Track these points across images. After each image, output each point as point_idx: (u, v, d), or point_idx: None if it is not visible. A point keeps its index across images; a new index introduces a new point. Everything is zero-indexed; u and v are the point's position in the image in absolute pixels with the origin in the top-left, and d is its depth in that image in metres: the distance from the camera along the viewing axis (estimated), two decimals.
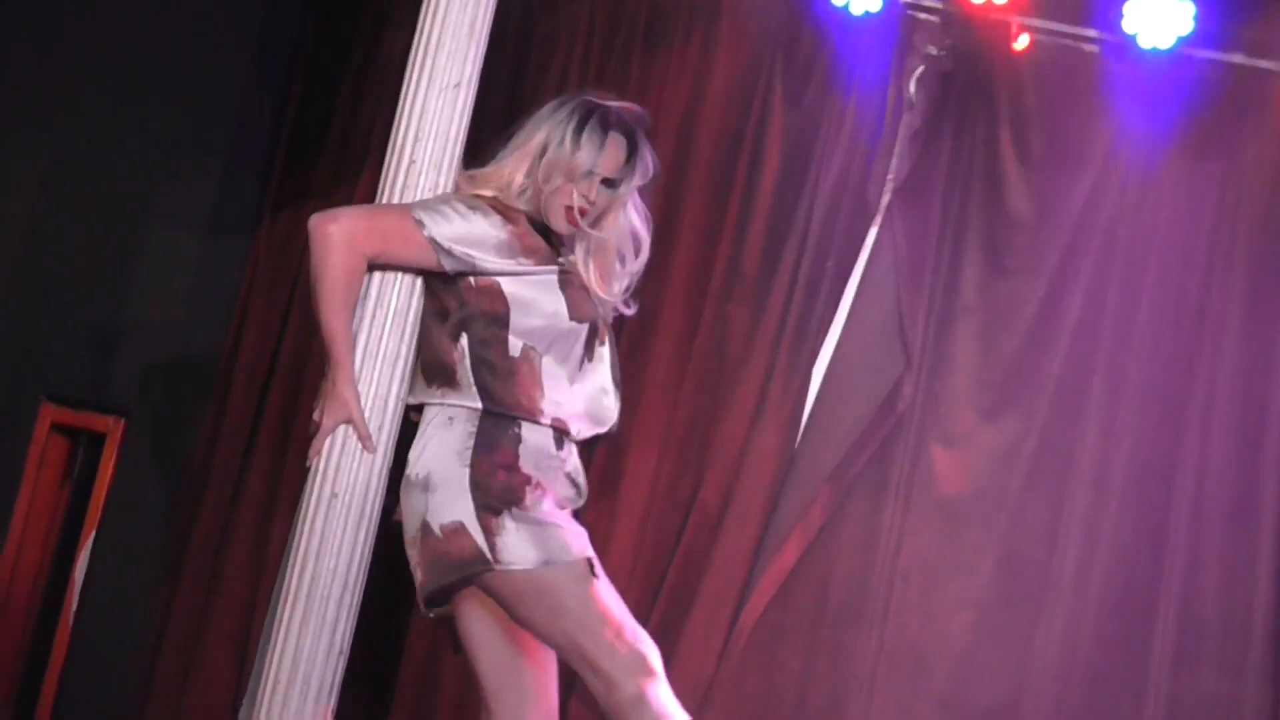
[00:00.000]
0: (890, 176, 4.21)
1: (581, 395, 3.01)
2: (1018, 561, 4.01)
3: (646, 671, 2.86)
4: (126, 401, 4.34)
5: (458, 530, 2.87)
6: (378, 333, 3.10)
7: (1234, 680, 3.86)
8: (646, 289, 4.11)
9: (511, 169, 3.02)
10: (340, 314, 2.97)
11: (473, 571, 2.87)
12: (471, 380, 2.95)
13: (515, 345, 2.95)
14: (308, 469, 3.07)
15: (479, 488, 2.87)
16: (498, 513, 2.86)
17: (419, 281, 3.15)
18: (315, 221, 2.94)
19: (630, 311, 3.13)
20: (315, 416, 3.03)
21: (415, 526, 2.92)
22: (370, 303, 3.11)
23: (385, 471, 3.13)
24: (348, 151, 4.37)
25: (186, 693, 4.17)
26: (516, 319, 2.96)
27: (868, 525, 4.07)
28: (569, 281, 3.01)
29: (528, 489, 2.90)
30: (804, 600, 4.06)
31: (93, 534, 4.28)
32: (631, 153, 3.03)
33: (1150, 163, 4.08)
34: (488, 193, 3.01)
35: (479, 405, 2.94)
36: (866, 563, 4.03)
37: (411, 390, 3.05)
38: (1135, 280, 4.05)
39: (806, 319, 4.15)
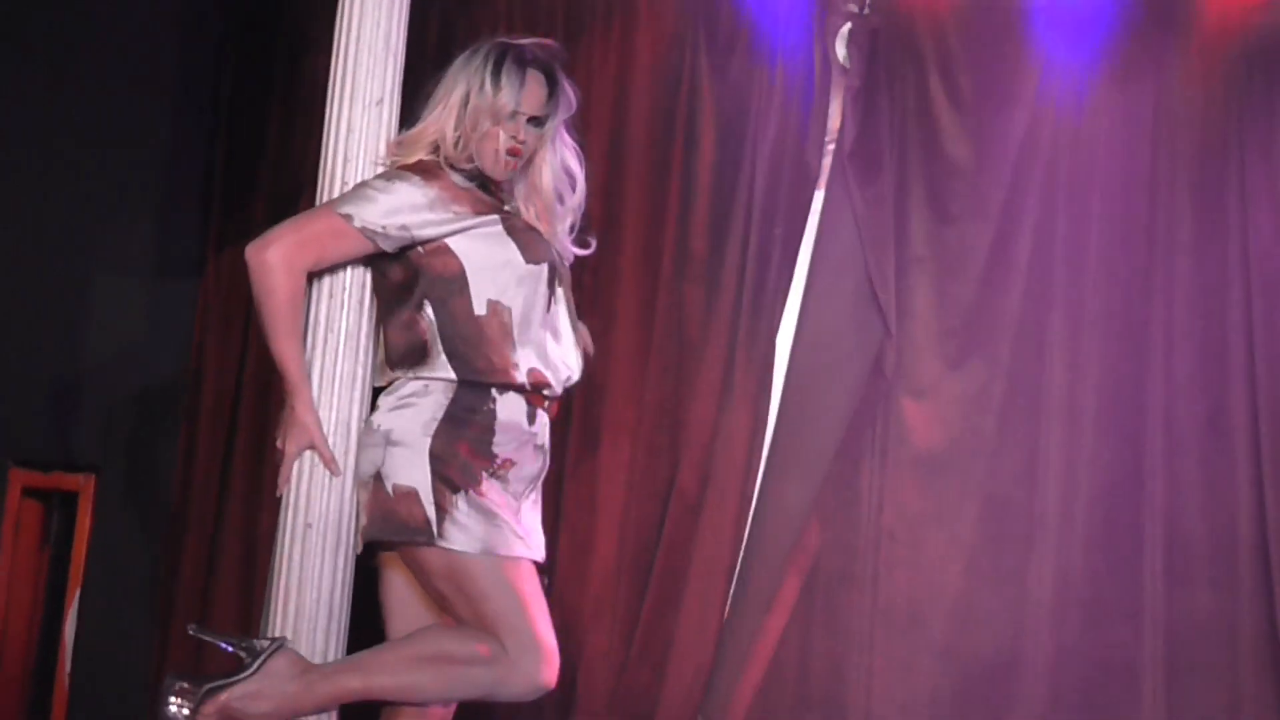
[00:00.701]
0: (828, 140, 4.20)
1: (552, 340, 3.02)
2: (1000, 505, 4.01)
3: (544, 660, 2.87)
4: (94, 456, 4.32)
5: (410, 495, 2.90)
6: (332, 357, 3.10)
7: (1227, 596, 3.87)
8: (598, 282, 4.16)
9: (438, 125, 3.03)
10: (289, 339, 2.97)
11: (414, 540, 2.89)
12: (442, 350, 2.96)
13: (480, 302, 2.96)
14: (279, 500, 3.07)
15: (437, 459, 2.89)
16: (455, 490, 2.88)
17: (367, 300, 3.14)
18: (250, 251, 2.95)
19: (588, 251, 3.16)
20: (279, 444, 3.03)
21: (368, 473, 2.96)
22: (321, 328, 3.11)
23: (356, 496, 3.12)
24: (283, 178, 4.35)
25: None
26: (473, 275, 2.97)
27: (848, 487, 4.07)
28: (515, 227, 3.02)
29: (486, 473, 2.91)
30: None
31: (78, 593, 4.26)
32: (553, 87, 3.04)
33: (1082, 93, 4.08)
34: (421, 155, 3.03)
35: (453, 377, 2.94)
36: (851, 525, 4.03)
37: (380, 379, 3.05)
38: (1082, 212, 4.06)
39: (761, 291, 4.15)
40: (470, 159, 3.03)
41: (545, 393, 3.01)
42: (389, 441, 2.93)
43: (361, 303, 3.16)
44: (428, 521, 2.89)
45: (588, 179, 4.15)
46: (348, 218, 2.95)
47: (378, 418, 2.98)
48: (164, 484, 4.34)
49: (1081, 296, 4.03)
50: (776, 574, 3.99)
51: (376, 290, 3.06)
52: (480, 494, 2.90)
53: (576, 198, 3.13)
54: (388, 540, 2.96)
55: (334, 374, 3.09)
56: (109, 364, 4.38)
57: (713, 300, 4.15)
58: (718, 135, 4.22)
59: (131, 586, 4.31)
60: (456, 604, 2.92)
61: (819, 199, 4.19)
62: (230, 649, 2.93)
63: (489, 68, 3.03)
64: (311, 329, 3.12)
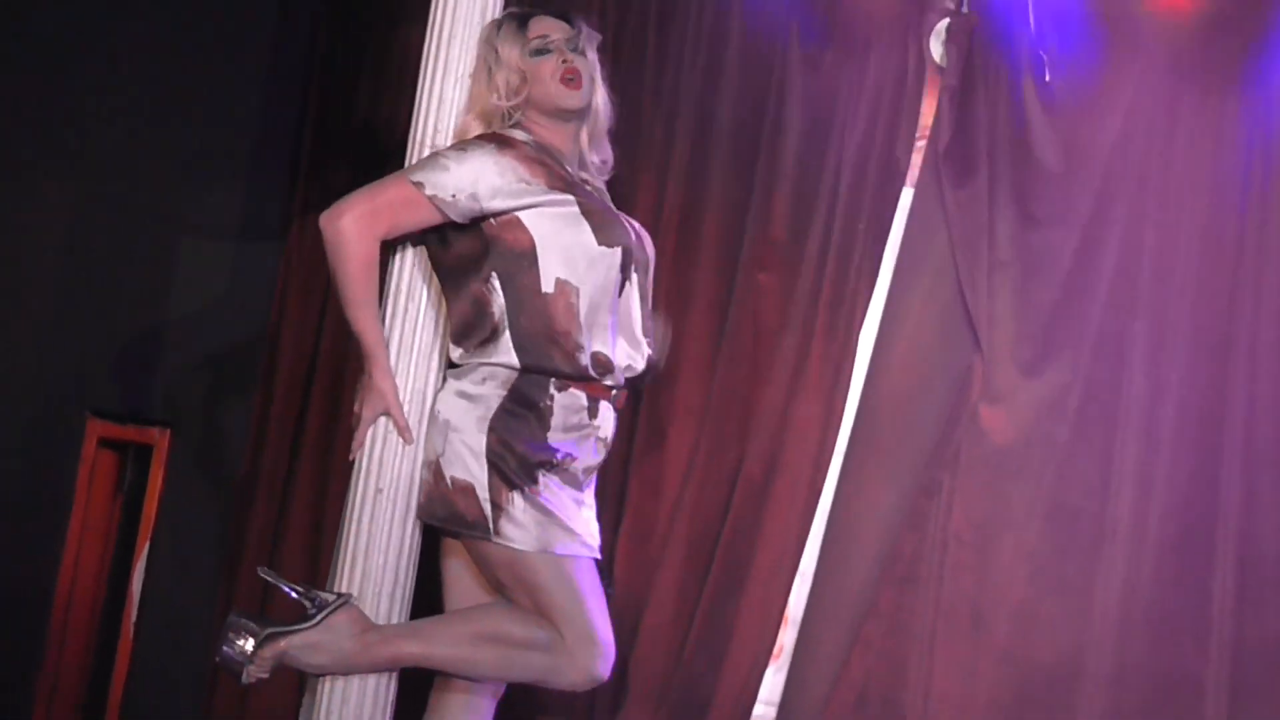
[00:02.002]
0: (918, 137, 4.17)
1: (620, 327, 3.00)
2: (1070, 514, 3.98)
3: (600, 653, 2.88)
4: (170, 412, 4.37)
5: (467, 490, 2.91)
6: (411, 326, 3.12)
7: None
8: (678, 263, 4.15)
9: (482, 107, 3.05)
10: (365, 307, 2.98)
11: (471, 534, 2.90)
12: (507, 328, 2.95)
13: (548, 279, 2.95)
14: (352, 464, 3.09)
15: (494, 455, 2.90)
16: (511, 487, 2.88)
17: None
18: (324, 220, 2.97)
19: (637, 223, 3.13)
20: (355, 409, 3.05)
21: (431, 458, 2.98)
22: (401, 297, 3.13)
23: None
24: (371, 149, 4.38)
25: (249, 697, 4.20)
26: (544, 251, 2.96)
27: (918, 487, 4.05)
28: (590, 208, 3.00)
29: (544, 470, 2.90)
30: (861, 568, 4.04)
31: (147, 545, 4.32)
32: (568, 19, 3.07)
33: (1176, 101, 4.02)
34: (484, 127, 3.04)
35: (515, 363, 2.93)
36: (919, 525, 4.01)
37: (451, 353, 3.05)
38: (1171, 221, 4.01)
39: (842, 284, 4.13)
40: (540, 116, 3.03)
41: (608, 382, 2.99)
42: (449, 431, 2.94)
43: None
44: (484, 517, 2.90)
45: (672, 165, 4.20)
46: (419, 186, 2.95)
47: (441, 403, 2.99)
48: (237, 444, 4.39)
49: (1166, 307, 3.98)
50: (870, 579, 3.97)
51: (439, 261, 3.05)
52: (536, 492, 2.90)
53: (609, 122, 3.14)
54: (444, 530, 2.98)
55: (412, 343, 3.11)
56: (190, 323, 4.43)
57: (791, 289, 4.13)
58: (805, 127, 4.20)
59: (199, 542, 4.36)
60: (516, 595, 2.93)
61: (906, 197, 4.17)
62: (296, 596, 2.96)
63: (492, 34, 3.07)
64: (393, 297, 3.14)
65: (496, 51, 3.04)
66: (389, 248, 3.07)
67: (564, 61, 3.02)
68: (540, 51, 3.03)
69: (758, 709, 4.03)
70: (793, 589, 4.04)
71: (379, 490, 3.06)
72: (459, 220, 2.97)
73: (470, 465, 2.91)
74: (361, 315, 2.99)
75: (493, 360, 2.95)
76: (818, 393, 4.09)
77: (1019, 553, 3.95)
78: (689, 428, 4.13)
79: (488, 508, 2.89)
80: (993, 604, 3.94)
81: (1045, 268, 4.06)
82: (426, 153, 3.17)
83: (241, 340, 4.45)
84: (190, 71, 4.46)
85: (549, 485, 2.93)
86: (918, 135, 4.16)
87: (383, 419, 3.06)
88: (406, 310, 3.11)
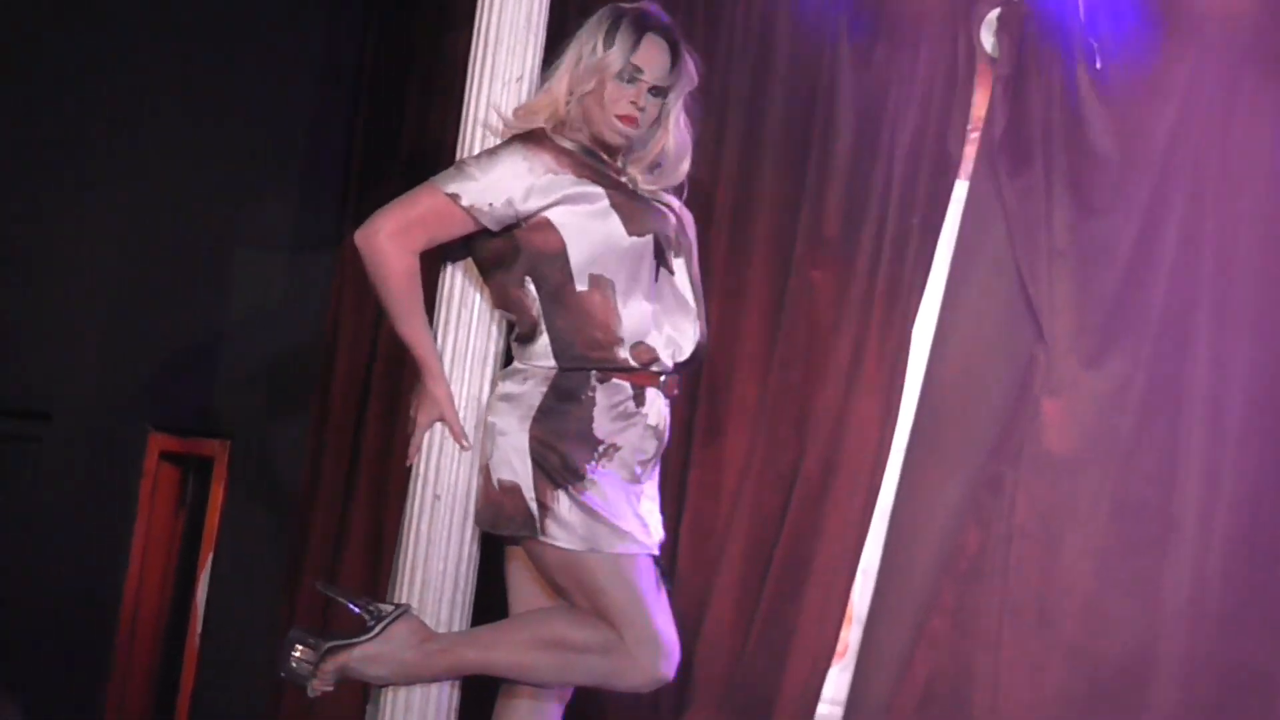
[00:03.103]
0: (970, 129, 4.14)
1: (662, 314, 2.98)
2: (1136, 506, 3.92)
3: (663, 653, 2.86)
4: (230, 424, 4.41)
5: (514, 491, 2.91)
6: (464, 332, 3.12)
7: None
8: (729, 263, 4.14)
9: (555, 89, 3.00)
10: (411, 319, 2.98)
11: (519, 534, 2.90)
12: (544, 329, 2.94)
13: (581, 276, 2.94)
14: (408, 472, 3.10)
15: (537, 453, 2.89)
16: (556, 485, 2.87)
17: None
18: (360, 237, 2.96)
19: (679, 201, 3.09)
20: (411, 414, 3.06)
21: (482, 464, 2.98)
22: (454, 303, 3.13)
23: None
24: (421, 156, 4.39)
25: (314, 706, 4.21)
26: (574, 249, 2.94)
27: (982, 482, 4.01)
28: (619, 199, 2.97)
29: (591, 463, 2.89)
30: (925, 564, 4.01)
31: (210, 557, 4.35)
32: (675, 56, 3.01)
33: (1233, 86, 3.96)
34: (539, 122, 3.00)
35: (554, 364, 2.93)
36: (983, 520, 3.97)
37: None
38: (1230, 207, 3.95)
39: (897, 280, 4.09)
40: (585, 124, 3.00)
41: (654, 368, 2.97)
42: (494, 434, 2.94)
43: None
44: (531, 517, 2.89)
45: (723, 164, 4.18)
46: (454, 197, 2.94)
47: (488, 408, 2.99)
48: (296, 455, 4.41)
49: (1228, 294, 3.92)
50: (935, 576, 3.94)
51: (479, 265, 3.05)
52: (580, 490, 2.88)
53: (684, 168, 3.09)
54: (498, 534, 2.97)
55: (466, 349, 3.11)
56: (247, 334, 4.46)
57: (845, 286, 4.10)
58: (856, 121, 4.18)
59: (262, 553, 4.39)
60: (574, 597, 2.92)
61: (959, 189, 4.13)
62: (355, 609, 2.97)
63: (603, 28, 2.99)
64: (445, 303, 3.14)
65: (597, 49, 2.98)
66: (438, 255, 3.07)
67: (634, 103, 2.97)
68: (628, 79, 2.98)
69: (823, 708, 4.01)
70: (854, 587, 4.01)
71: (437, 497, 3.06)
72: (494, 228, 2.97)
73: (515, 465, 2.91)
74: (409, 327, 3.00)
75: (533, 362, 2.95)
76: (875, 390, 4.06)
77: (1085, 547, 3.90)
78: (745, 428, 4.12)
79: (534, 507, 2.89)
80: (1059, 599, 3.89)
81: (1104, 257, 4.01)
82: None
83: (298, 350, 4.47)
84: (241, 85, 4.49)
85: (596, 482, 2.90)
86: (969, 127, 4.13)
87: (439, 426, 3.06)
88: (460, 316, 3.11)
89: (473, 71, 3.21)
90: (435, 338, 3.09)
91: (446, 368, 3.08)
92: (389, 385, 4.34)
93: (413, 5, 4.47)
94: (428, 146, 4.37)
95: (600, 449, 2.92)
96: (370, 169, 4.46)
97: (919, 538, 4.01)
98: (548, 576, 2.95)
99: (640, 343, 2.95)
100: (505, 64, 3.19)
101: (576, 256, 2.95)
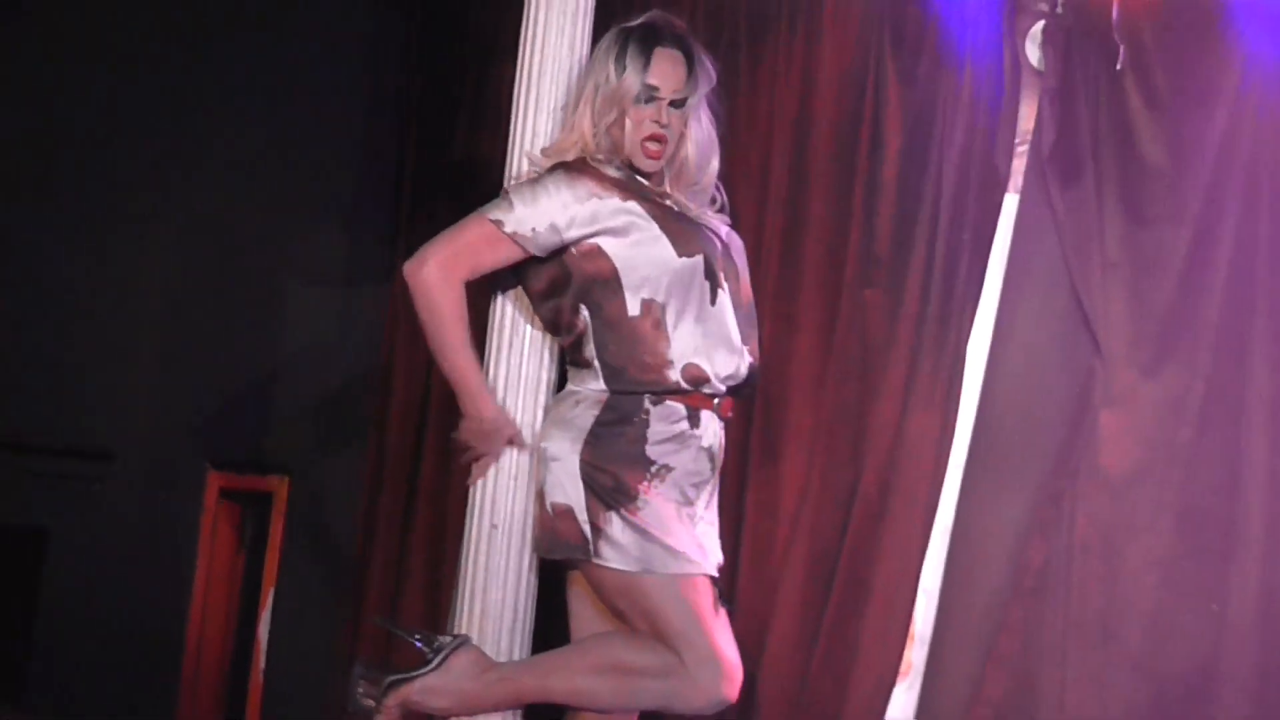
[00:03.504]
0: (1018, 142, 4.12)
1: (713, 334, 2.97)
2: (1199, 516, 3.87)
3: (724, 674, 2.85)
4: (288, 459, 4.44)
5: (567, 514, 2.91)
6: (516, 359, 3.13)
7: None
8: (781, 286, 4.13)
9: (579, 124, 3.01)
10: (460, 351, 2.99)
11: (573, 556, 2.90)
12: (595, 356, 2.95)
13: (633, 303, 2.94)
14: (467, 501, 3.11)
15: (589, 476, 2.90)
16: (608, 507, 2.87)
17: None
18: (409, 270, 2.97)
19: (726, 226, 3.09)
20: (463, 443, 3.05)
21: (537, 490, 2.99)
22: (506, 332, 3.15)
23: None
24: (470, 187, 4.41)
25: None
26: (626, 274, 2.94)
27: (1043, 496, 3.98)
28: (667, 220, 2.97)
29: (644, 484, 2.88)
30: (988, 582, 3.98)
31: (271, 592, 4.37)
32: (690, 64, 3.00)
33: None
34: (568, 159, 3.01)
35: (604, 388, 2.93)
36: (1046, 535, 3.93)
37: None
38: None
39: (949, 297, 4.08)
40: (615, 153, 3.00)
41: (706, 390, 2.97)
42: (546, 459, 2.95)
43: None
44: (584, 539, 2.89)
45: (771, 187, 4.18)
46: (499, 224, 2.95)
47: (541, 435, 3.00)
48: (354, 486, 4.44)
49: None
50: (999, 593, 3.91)
51: (530, 294, 3.06)
52: (634, 512, 2.88)
53: (713, 168, 3.08)
54: (552, 558, 2.97)
55: (519, 376, 3.13)
56: (302, 369, 4.50)
57: (897, 305, 4.09)
58: (903, 139, 4.17)
59: (323, 586, 4.42)
60: (633, 619, 2.91)
61: (1009, 203, 4.12)
62: (414, 642, 2.98)
63: (613, 54, 2.99)
64: (497, 332, 3.16)
65: (610, 77, 2.99)
66: (488, 286, 3.08)
67: (656, 121, 2.97)
68: (645, 100, 2.99)
69: None
70: (916, 606, 3.98)
71: (494, 527, 3.07)
72: (540, 254, 2.98)
73: (568, 488, 2.91)
74: (458, 360, 3.00)
75: (586, 385, 2.96)
76: (930, 407, 4.04)
77: (1148, 559, 3.85)
78: (802, 448, 4.10)
79: (587, 529, 2.89)
80: (1123, 613, 3.85)
81: (1158, 267, 3.97)
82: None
83: (353, 384, 4.50)
84: (290, 122, 4.55)
85: (649, 503, 2.90)
86: (1017, 141, 4.11)
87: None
88: (511, 344, 3.13)
89: (518, 101, 3.24)
90: (487, 367, 3.10)
91: (500, 397, 3.09)
92: (445, 416, 4.35)
93: (458, 38, 4.51)
94: (476, 177, 4.40)
95: (652, 469, 2.91)
96: (420, 201, 4.49)
97: (982, 555, 3.97)
98: (606, 600, 2.95)
99: (690, 364, 2.95)
100: (550, 92, 3.21)
101: (628, 281, 2.95)
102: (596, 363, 2.96)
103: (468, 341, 3.01)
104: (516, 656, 3.05)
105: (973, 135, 4.11)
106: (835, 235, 4.16)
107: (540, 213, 2.94)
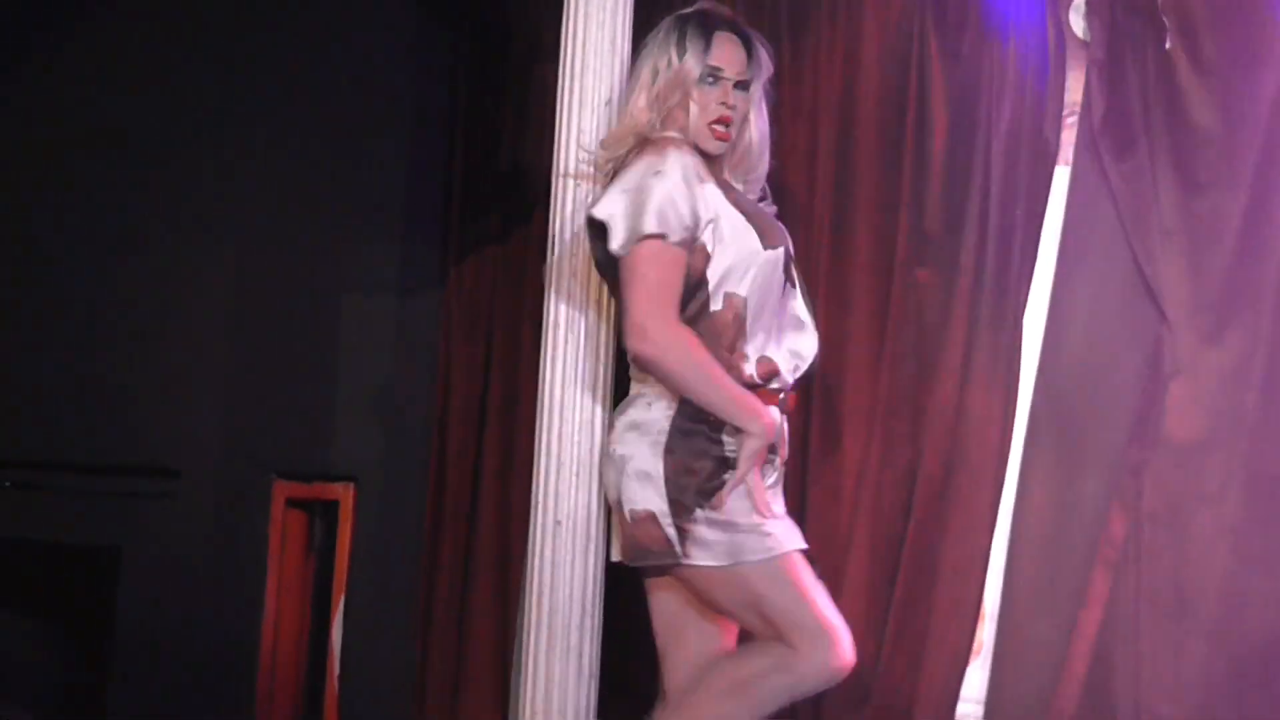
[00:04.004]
0: (1066, 114, 4.10)
1: (788, 328, 2.96)
2: (1269, 483, 3.83)
3: (833, 644, 2.85)
4: (352, 465, 4.47)
5: (649, 519, 2.87)
6: (573, 358, 3.15)
7: None
8: (832, 269, 4.13)
9: (635, 112, 2.97)
10: (725, 376, 2.88)
11: (662, 562, 2.88)
12: None
13: (717, 297, 2.91)
14: (529, 500, 3.12)
15: (670, 478, 2.86)
16: (691, 509, 2.85)
17: (605, 300, 3.17)
18: (634, 351, 2.86)
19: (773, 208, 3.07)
20: (747, 455, 2.91)
21: (612, 498, 2.95)
22: (560, 329, 3.16)
23: (602, 493, 3.15)
24: (519, 187, 4.43)
25: None
26: (715, 267, 2.90)
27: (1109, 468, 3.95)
28: (750, 210, 2.96)
29: (726, 474, 2.87)
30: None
31: (342, 598, 4.41)
32: (748, 48, 2.98)
33: None
34: (623, 150, 2.98)
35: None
36: (1118, 507, 3.91)
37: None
38: None
39: (1004, 273, 4.05)
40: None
41: (774, 385, 2.95)
42: (623, 466, 2.91)
43: (599, 302, 3.20)
44: (669, 543, 2.85)
45: (818, 171, 4.17)
46: (662, 238, 2.86)
47: (613, 441, 2.95)
48: (419, 489, 4.46)
49: None
50: (1071, 567, 3.89)
51: (618, 296, 3.01)
52: (716, 507, 2.85)
53: (765, 162, 3.09)
54: (639, 566, 2.95)
55: (576, 375, 3.14)
56: (361, 376, 4.53)
57: (951, 284, 4.07)
58: (950, 117, 4.14)
59: (393, 590, 4.45)
60: (735, 610, 2.89)
61: (1059, 176, 4.09)
62: None
63: (673, 38, 2.97)
64: (551, 330, 3.17)
65: (671, 61, 2.96)
66: (537, 281, 3.09)
67: (722, 104, 2.95)
68: (710, 81, 2.96)
69: (962, 707, 3.97)
70: (986, 583, 3.97)
71: (558, 523, 3.09)
72: (705, 242, 2.90)
73: (648, 493, 2.87)
74: (727, 386, 2.87)
75: (657, 384, 2.94)
76: (990, 384, 4.02)
77: (1219, 527, 3.82)
78: (861, 432, 4.09)
79: (672, 532, 2.86)
80: (1196, 582, 3.82)
81: (1215, 233, 3.93)
82: (570, 185, 3.20)
83: (412, 387, 4.53)
84: (337, 135, 4.59)
85: (736, 492, 2.87)
86: (1065, 113, 4.08)
87: (558, 448, 3.08)
88: (567, 341, 3.15)
89: (561, 99, 3.25)
90: (543, 367, 3.12)
91: (558, 394, 3.11)
92: (504, 415, 4.38)
93: (500, 41, 4.52)
94: (524, 179, 4.41)
95: (732, 459, 2.89)
96: (470, 205, 4.51)
97: (1055, 529, 3.94)
98: (707, 600, 2.92)
99: (764, 358, 2.94)
100: (593, 89, 3.23)
101: (715, 274, 2.91)
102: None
103: (722, 374, 2.89)
104: (587, 651, 3.07)
105: (1020, 109, 4.08)
106: (885, 216, 4.15)
107: (665, 204, 2.87)
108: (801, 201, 4.17)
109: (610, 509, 3.01)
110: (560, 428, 3.17)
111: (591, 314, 3.15)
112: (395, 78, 4.62)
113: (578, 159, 3.17)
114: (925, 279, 4.09)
